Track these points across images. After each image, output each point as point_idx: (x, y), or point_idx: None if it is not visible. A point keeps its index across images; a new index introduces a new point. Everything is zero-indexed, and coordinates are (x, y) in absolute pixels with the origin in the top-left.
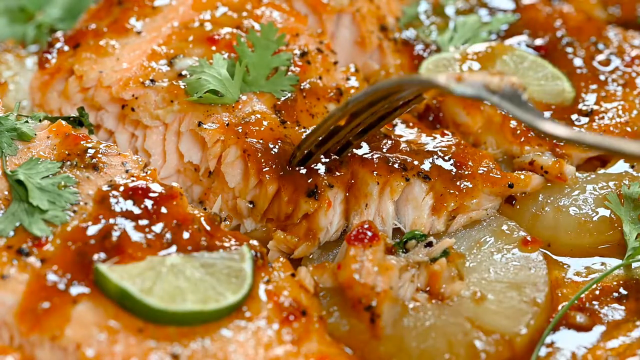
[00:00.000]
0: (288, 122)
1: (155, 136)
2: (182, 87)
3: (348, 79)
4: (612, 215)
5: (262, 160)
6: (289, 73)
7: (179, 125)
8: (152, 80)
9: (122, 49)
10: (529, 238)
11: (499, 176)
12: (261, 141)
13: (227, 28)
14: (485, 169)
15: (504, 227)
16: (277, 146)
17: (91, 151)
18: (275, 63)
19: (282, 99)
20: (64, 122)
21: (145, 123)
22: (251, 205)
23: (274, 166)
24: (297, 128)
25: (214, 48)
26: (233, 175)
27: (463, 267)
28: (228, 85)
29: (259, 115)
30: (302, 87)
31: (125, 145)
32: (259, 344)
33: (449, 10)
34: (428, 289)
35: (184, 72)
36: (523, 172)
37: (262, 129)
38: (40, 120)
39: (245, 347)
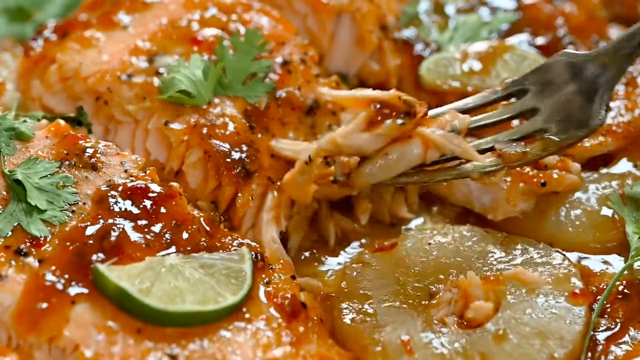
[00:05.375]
0: (257, 128)
1: (125, 132)
2: (157, 85)
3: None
4: (615, 215)
5: (222, 163)
6: (267, 80)
7: (148, 123)
8: (129, 76)
9: (106, 42)
10: (577, 291)
11: (532, 174)
12: (225, 144)
13: (212, 29)
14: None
15: (561, 273)
16: (240, 150)
17: (90, 151)
18: (254, 69)
19: (254, 104)
20: (62, 122)
21: (117, 118)
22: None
23: (233, 170)
24: (265, 135)
25: (195, 48)
26: (194, 176)
27: (504, 298)
28: (200, 87)
29: (227, 119)
30: (277, 96)
31: (100, 138)
32: (257, 346)
33: (449, 10)
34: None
35: (161, 70)
36: (556, 170)
37: (227, 132)
38: (38, 120)
39: (244, 349)
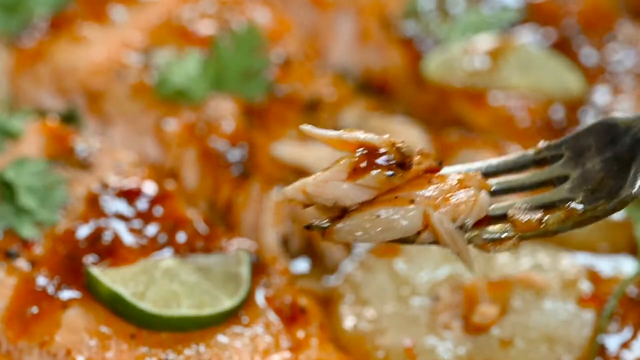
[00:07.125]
0: (255, 126)
1: (119, 130)
2: (152, 82)
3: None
4: (625, 216)
5: (220, 162)
6: (266, 77)
7: (143, 121)
8: (122, 72)
9: (99, 37)
10: (586, 295)
11: None
12: (223, 143)
13: (209, 24)
14: None
15: (570, 277)
16: (238, 149)
17: (82, 149)
18: (253, 65)
19: (254, 102)
20: (54, 119)
21: (111, 115)
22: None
23: (231, 170)
24: (264, 134)
25: (191, 44)
26: (191, 176)
27: (510, 302)
28: (196, 84)
29: (225, 117)
30: (277, 93)
31: (93, 136)
32: (255, 351)
33: (453, 4)
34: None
35: (156, 67)
36: None
37: (225, 131)
38: (29, 117)
39: (242, 354)
